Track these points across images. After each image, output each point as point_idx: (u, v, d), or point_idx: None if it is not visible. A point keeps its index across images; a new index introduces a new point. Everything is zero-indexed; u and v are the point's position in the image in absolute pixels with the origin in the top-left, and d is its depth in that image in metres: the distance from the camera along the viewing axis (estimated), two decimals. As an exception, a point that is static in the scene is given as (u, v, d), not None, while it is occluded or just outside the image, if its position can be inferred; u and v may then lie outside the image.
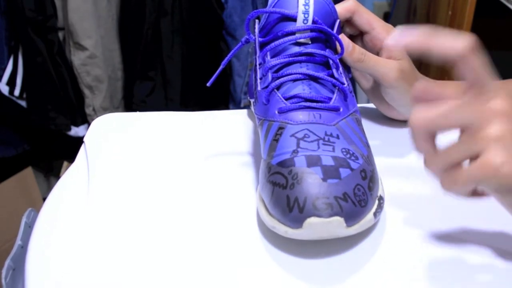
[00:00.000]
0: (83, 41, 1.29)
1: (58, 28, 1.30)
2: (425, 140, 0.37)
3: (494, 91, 0.36)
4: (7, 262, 0.45)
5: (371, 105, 0.63)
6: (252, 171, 0.53)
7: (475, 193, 0.38)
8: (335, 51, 0.51)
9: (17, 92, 1.33)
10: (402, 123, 0.60)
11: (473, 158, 0.36)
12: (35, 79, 1.31)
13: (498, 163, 0.34)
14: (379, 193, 0.44)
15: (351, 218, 0.39)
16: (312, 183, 0.40)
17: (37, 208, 0.50)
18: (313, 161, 0.42)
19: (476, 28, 1.19)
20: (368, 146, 0.47)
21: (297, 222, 0.39)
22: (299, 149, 0.43)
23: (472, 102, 0.36)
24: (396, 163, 0.53)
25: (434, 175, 0.38)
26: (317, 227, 0.38)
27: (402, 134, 0.59)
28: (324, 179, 0.40)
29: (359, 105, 0.56)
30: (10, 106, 1.37)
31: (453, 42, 0.36)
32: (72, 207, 0.49)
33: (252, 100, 0.57)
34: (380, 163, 0.49)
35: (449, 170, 0.37)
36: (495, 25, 1.48)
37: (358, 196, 0.40)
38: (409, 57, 0.54)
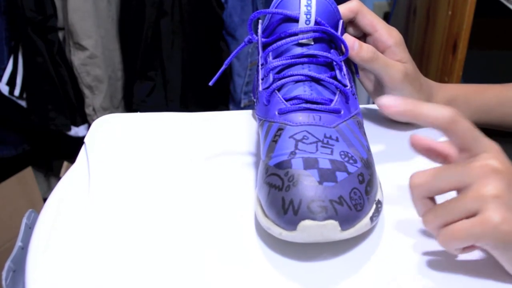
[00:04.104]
0: (83, 41, 1.29)
1: (58, 28, 1.30)
2: (424, 201, 0.39)
3: (485, 150, 0.38)
4: (8, 264, 0.45)
5: (374, 106, 0.62)
6: (253, 172, 0.53)
7: (465, 248, 0.39)
8: (340, 51, 0.51)
9: (17, 92, 1.33)
10: (404, 125, 0.60)
11: (471, 215, 0.37)
12: (35, 79, 1.31)
13: (498, 221, 0.35)
14: (377, 197, 0.43)
15: (346, 222, 0.39)
16: (308, 186, 0.39)
17: (37, 208, 0.50)
18: (310, 164, 0.41)
19: (476, 28, 1.19)
20: (368, 149, 0.47)
21: (291, 224, 0.39)
22: (297, 151, 0.43)
23: (466, 163, 0.38)
24: (397, 166, 0.53)
25: (432, 231, 0.39)
26: (311, 230, 0.38)
27: (405, 136, 0.59)
28: (320, 182, 0.40)
29: (360, 105, 0.56)
30: (10, 106, 1.36)
31: (436, 115, 0.39)
32: (73, 208, 0.49)
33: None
34: (381, 166, 0.49)
35: (447, 226, 0.38)
36: (495, 25, 1.48)
37: (354, 200, 0.40)
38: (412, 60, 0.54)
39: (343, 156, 0.43)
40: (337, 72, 0.48)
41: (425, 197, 0.39)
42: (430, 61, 1.39)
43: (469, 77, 1.29)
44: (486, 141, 0.39)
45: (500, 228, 0.35)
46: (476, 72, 1.40)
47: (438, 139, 0.43)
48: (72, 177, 0.54)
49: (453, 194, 0.39)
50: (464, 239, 0.37)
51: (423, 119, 0.39)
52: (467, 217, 0.37)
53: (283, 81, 0.47)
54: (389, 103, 0.39)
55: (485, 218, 0.36)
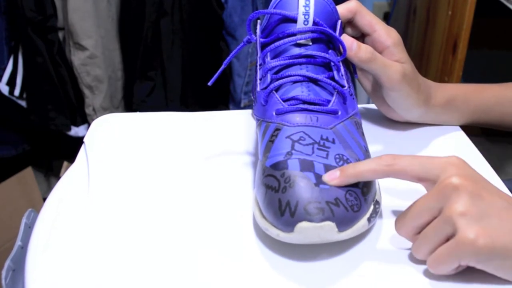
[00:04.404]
0: (83, 41, 1.29)
1: (58, 28, 1.30)
2: (415, 237, 0.41)
3: (440, 171, 0.39)
4: (7, 263, 0.45)
5: (373, 106, 0.62)
6: (252, 172, 0.53)
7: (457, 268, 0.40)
8: (338, 51, 0.51)
9: (17, 92, 1.33)
10: (403, 124, 0.60)
11: (450, 236, 0.38)
12: (35, 79, 1.31)
13: (473, 238, 0.36)
14: (375, 198, 0.43)
15: (342, 223, 0.39)
16: (304, 187, 0.40)
17: (37, 208, 0.50)
18: (306, 166, 0.42)
19: (476, 28, 1.19)
20: (366, 150, 0.47)
21: (288, 226, 0.39)
22: (293, 151, 0.43)
23: (431, 191, 0.39)
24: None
25: (422, 259, 0.40)
26: (308, 231, 0.38)
27: (404, 136, 0.59)
28: (316, 184, 0.40)
29: (359, 105, 0.56)
30: (10, 106, 1.36)
31: (371, 167, 0.41)
32: (72, 207, 0.49)
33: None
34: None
35: (432, 254, 0.39)
36: (495, 25, 1.48)
37: (350, 201, 0.40)
38: (411, 60, 0.54)
39: (337, 160, 0.43)
40: (335, 72, 0.48)
41: (415, 235, 0.41)
42: (430, 61, 1.39)
43: (469, 77, 1.29)
44: (436, 161, 0.40)
45: (477, 244, 0.36)
46: (476, 72, 1.40)
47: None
48: (72, 177, 0.54)
49: None
50: (448, 262, 0.38)
51: (363, 176, 0.41)
52: (448, 239, 0.38)
53: (281, 81, 0.48)
54: (329, 177, 0.41)
55: (460, 238, 0.37)
